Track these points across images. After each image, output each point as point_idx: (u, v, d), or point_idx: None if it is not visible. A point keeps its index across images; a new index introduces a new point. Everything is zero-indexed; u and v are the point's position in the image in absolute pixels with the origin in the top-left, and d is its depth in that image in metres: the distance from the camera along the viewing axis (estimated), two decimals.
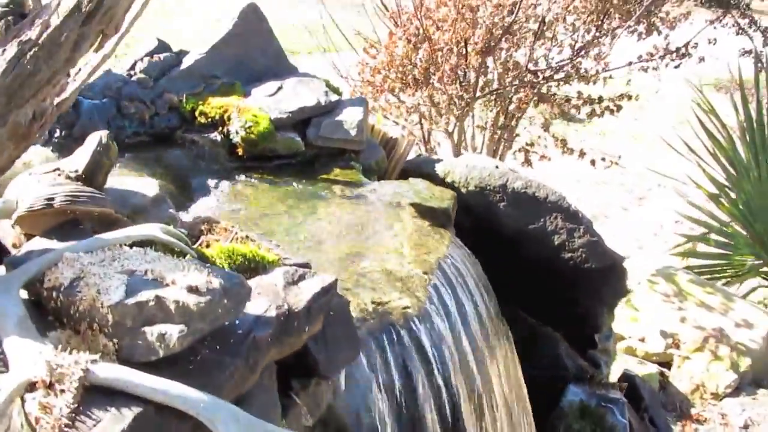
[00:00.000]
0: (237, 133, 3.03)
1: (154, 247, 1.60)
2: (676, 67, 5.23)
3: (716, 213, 5.44)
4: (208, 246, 1.77)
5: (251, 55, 3.38)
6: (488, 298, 2.68)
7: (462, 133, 5.56)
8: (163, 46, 3.33)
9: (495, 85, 5.30)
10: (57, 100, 1.55)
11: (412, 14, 5.17)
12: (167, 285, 1.38)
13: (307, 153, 3.12)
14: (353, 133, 3.08)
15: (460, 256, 2.61)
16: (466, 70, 5.09)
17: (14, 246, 1.84)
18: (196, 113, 3.13)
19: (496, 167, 3.75)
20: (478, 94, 5.20)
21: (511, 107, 5.01)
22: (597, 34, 5.21)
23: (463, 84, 5.06)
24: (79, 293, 1.42)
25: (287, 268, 1.72)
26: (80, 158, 1.85)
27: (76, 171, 1.84)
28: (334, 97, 3.20)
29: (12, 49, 1.47)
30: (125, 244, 1.59)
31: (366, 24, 5.63)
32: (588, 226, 3.54)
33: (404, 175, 3.47)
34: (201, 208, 2.61)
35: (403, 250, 2.47)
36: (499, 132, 5.62)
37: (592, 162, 5.48)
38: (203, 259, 1.69)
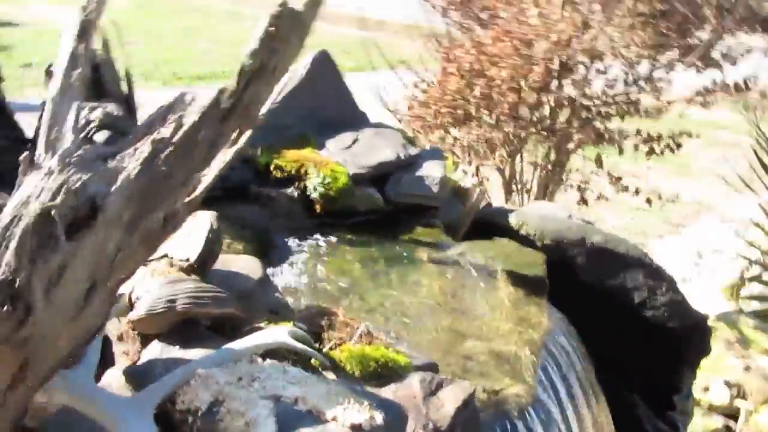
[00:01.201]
0: (315, 189, 2.90)
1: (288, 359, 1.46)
2: (734, 103, 5.08)
3: None
4: (335, 346, 1.63)
5: (323, 103, 3.25)
6: (588, 367, 2.55)
7: (513, 169, 5.42)
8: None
9: (548, 121, 5.15)
10: (187, 199, 1.41)
11: (465, 49, 5.05)
12: (326, 421, 1.24)
13: (386, 209, 2.98)
14: (435, 189, 2.94)
15: (561, 328, 2.47)
16: (520, 106, 4.96)
17: (119, 339, 1.71)
18: (271, 167, 3.00)
19: (570, 217, 3.61)
20: (533, 131, 5.06)
21: (570, 145, 4.87)
22: (653, 67, 5.08)
23: (520, 121, 4.93)
24: (221, 421, 1.29)
25: (423, 375, 1.59)
26: (192, 245, 1.72)
27: (188, 260, 1.71)
28: (412, 150, 3.07)
29: (145, 148, 1.34)
30: (258, 355, 1.45)
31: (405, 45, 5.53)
32: (671, 284, 3.39)
33: (476, 225, 3.33)
34: (290, 277, 2.48)
35: (506, 326, 2.33)
36: (550, 168, 5.48)
37: (648, 201, 5.33)
38: (336, 366, 1.55)
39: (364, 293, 2.46)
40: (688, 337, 3.39)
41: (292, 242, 2.81)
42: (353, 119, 3.36)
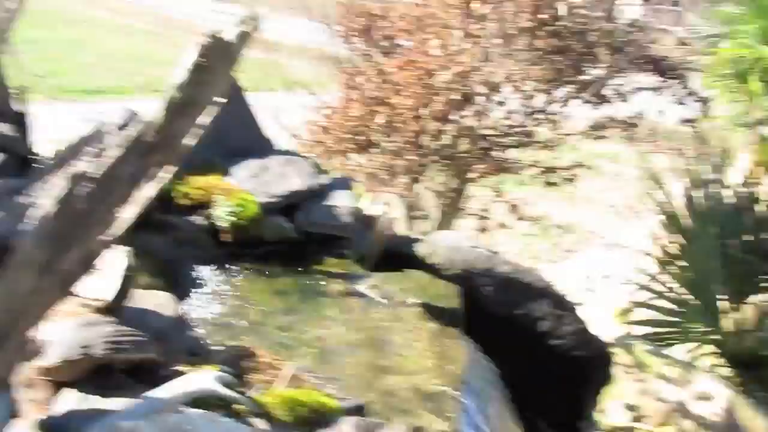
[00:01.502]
0: (224, 217, 2.79)
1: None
2: (629, 139, 5.30)
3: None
4: (262, 390, 1.54)
5: (229, 128, 3.13)
6: (504, 397, 2.55)
7: (413, 197, 5.45)
8: (133, 116, 3.05)
9: (448, 150, 5.21)
10: (105, 237, 1.30)
11: (368, 76, 5.05)
12: None
13: (296, 239, 2.90)
14: (346, 219, 2.89)
15: (478, 360, 2.46)
16: (422, 135, 5.00)
17: (26, 386, 1.56)
18: (176, 194, 2.86)
19: (475, 247, 3.64)
20: (433, 159, 5.11)
21: (472, 175, 4.95)
22: (549, 101, 5.24)
23: (421, 149, 4.97)
24: None
25: (356, 420, 1.52)
26: (107, 285, 1.59)
27: (104, 301, 1.58)
28: (322, 179, 3.01)
29: (60, 184, 1.22)
30: (185, 404, 1.35)
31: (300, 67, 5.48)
32: (574, 313, 3.46)
33: (384, 255, 3.29)
34: (201, 311, 2.36)
35: (425, 360, 2.30)
36: (450, 196, 5.55)
37: (546, 230, 5.47)
38: (265, 412, 1.46)
39: (279, 328, 2.36)
40: (591, 365, 3.46)
41: (201, 273, 2.69)
42: (260, 146, 3.27)
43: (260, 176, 2.97)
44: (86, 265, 1.25)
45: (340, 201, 2.90)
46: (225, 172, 3.00)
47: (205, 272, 2.69)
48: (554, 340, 3.46)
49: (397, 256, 3.25)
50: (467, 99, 4.91)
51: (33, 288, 1.20)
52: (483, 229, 5.31)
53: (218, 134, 3.09)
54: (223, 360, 1.63)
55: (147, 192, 1.29)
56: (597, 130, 5.09)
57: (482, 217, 5.31)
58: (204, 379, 1.42)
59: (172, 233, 2.83)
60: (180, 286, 2.59)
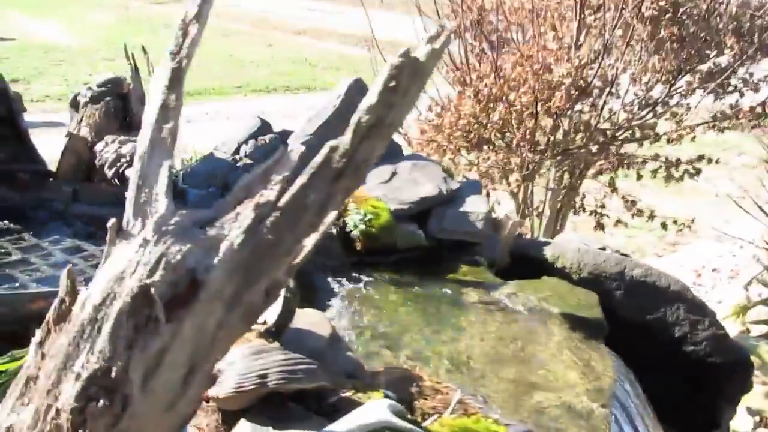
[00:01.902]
0: (356, 226, 2.77)
1: None
2: (753, 128, 5.02)
3: None
4: (430, 417, 1.50)
5: None
6: (651, 413, 2.44)
7: (526, 194, 5.32)
8: (265, 126, 3.07)
9: (562, 146, 5.06)
10: (289, 267, 1.27)
11: (482, 73, 4.95)
12: None
13: (428, 246, 2.85)
14: (480, 225, 2.83)
15: (623, 374, 2.36)
16: (537, 131, 4.86)
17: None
18: None
19: (604, 249, 3.51)
20: (548, 155, 4.97)
21: (591, 171, 4.79)
22: (670, 92, 5.01)
23: (536, 145, 4.84)
24: None
25: None
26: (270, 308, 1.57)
27: (265, 323, 1.57)
28: (453, 184, 2.95)
29: (248, 213, 1.20)
30: None
31: None
32: (713, 319, 3.29)
33: (511, 258, 3.22)
34: (338, 324, 2.34)
35: (572, 374, 2.21)
36: (563, 192, 5.39)
37: (663, 225, 5.25)
38: None
39: (418, 341, 2.32)
40: (729, 372, 3.29)
41: (334, 284, 2.67)
42: (387, 151, 3.24)
43: (390, 182, 2.94)
44: (271, 297, 1.23)
45: (473, 206, 2.84)
46: None
47: (337, 283, 2.68)
48: (690, 346, 3.32)
49: (524, 260, 3.17)
50: (584, 92, 4.74)
51: (220, 322, 1.18)
52: (600, 226, 5.14)
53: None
54: (386, 384, 1.59)
55: (329, 218, 1.25)
56: (721, 120, 4.84)
57: (597, 214, 5.13)
58: (378, 409, 1.39)
59: None
60: (315, 297, 2.59)
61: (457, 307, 2.56)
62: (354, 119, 1.23)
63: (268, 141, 2.98)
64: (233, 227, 1.20)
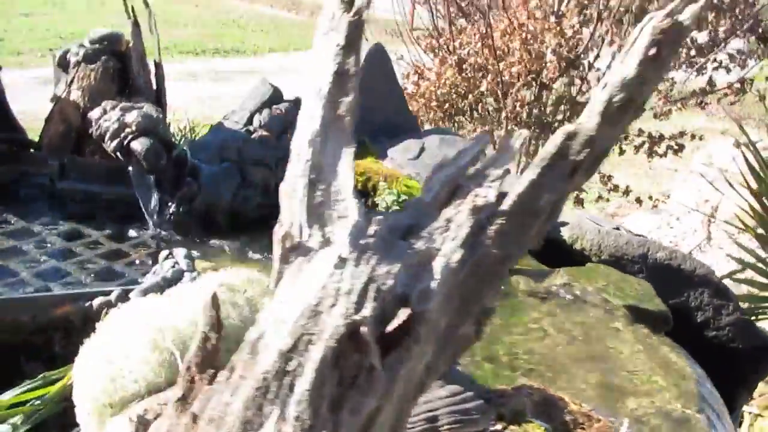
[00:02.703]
0: (389, 208, 2.49)
1: None
2: (732, 103, 4.98)
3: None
4: None
5: (375, 104, 2.83)
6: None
7: None
8: (277, 94, 2.73)
9: (548, 118, 4.89)
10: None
11: (466, 41, 4.71)
12: None
13: None
14: None
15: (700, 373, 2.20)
16: (520, 104, 4.67)
17: None
18: None
19: (616, 229, 3.35)
20: (532, 128, 4.79)
21: None
22: None
23: (517, 118, 4.65)
24: None
25: None
26: None
27: None
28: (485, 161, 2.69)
29: (463, 222, 0.92)
30: None
31: None
32: (737, 304, 3.18)
33: None
34: None
35: (656, 376, 2.03)
36: None
37: (638, 200, 5.17)
38: None
39: (486, 339, 2.08)
40: (752, 358, 3.20)
41: None
42: (405, 122, 2.96)
43: (420, 158, 2.67)
44: (481, 329, 0.96)
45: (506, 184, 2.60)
46: (378, 154, 2.69)
47: None
48: (713, 331, 3.20)
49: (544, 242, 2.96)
50: (572, 65, 4.57)
51: (429, 366, 0.91)
52: (579, 202, 5.02)
53: (367, 112, 2.79)
54: (533, 411, 1.35)
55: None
56: (707, 94, 4.75)
57: (579, 191, 5.00)
58: None
59: None
60: None
61: (510, 298, 2.33)
62: (602, 97, 0.96)
63: (284, 110, 2.64)
64: (445, 238, 0.91)
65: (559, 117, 4.93)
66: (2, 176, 2.45)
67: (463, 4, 5.29)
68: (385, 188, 2.53)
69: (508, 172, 0.97)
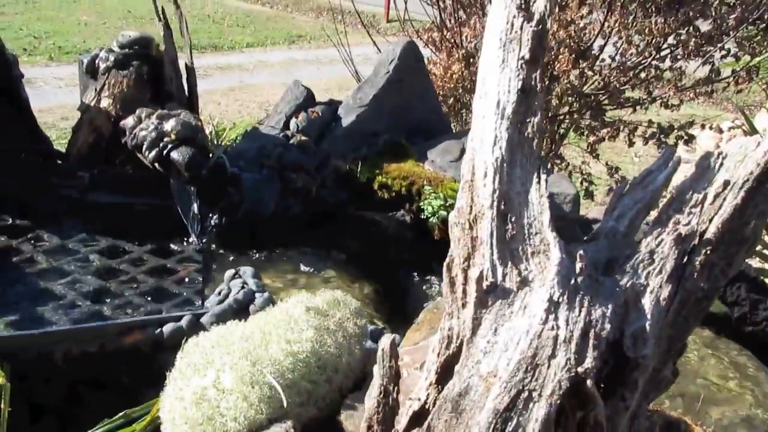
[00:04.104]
0: (434, 212, 2.39)
1: None
2: (738, 92, 4.95)
3: None
4: None
5: (410, 104, 2.73)
6: None
7: None
8: (310, 95, 2.62)
9: (551, 111, 4.82)
10: None
11: (473, 34, 4.60)
12: None
13: None
14: (567, 208, 2.51)
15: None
16: None
17: None
18: (375, 185, 2.46)
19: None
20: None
21: (591, 138, 4.58)
22: (659, 56, 4.84)
23: None
24: None
25: None
26: None
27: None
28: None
29: (668, 253, 0.83)
30: None
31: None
32: None
33: None
34: None
35: (731, 382, 1.97)
36: (548, 159, 5.17)
37: None
38: None
39: None
40: None
41: (422, 283, 2.31)
42: (440, 122, 2.87)
43: (461, 160, 2.56)
44: (676, 368, 0.87)
45: (558, 187, 2.52)
46: (416, 155, 2.59)
47: (426, 282, 2.31)
48: (749, 326, 3.16)
49: None
50: (583, 56, 4.49)
51: (632, 413, 0.81)
52: (589, 195, 4.95)
53: (401, 111, 2.70)
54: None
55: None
56: (714, 82, 4.70)
57: (586, 181, 4.94)
58: None
59: (370, 231, 2.44)
60: (405, 302, 2.23)
61: None
62: None
63: (320, 113, 2.53)
64: (651, 272, 0.83)
65: (565, 109, 4.86)
66: (29, 188, 2.30)
67: None
68: (430, 192, 2.43)
69: (703, 198, 0.88)
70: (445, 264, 0.88)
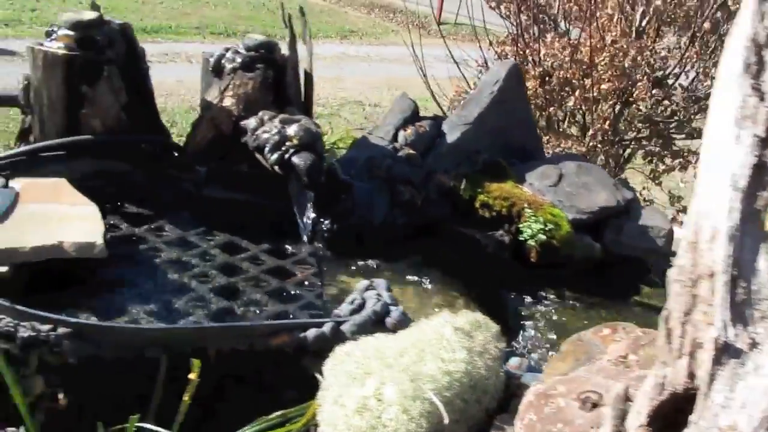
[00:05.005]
0: (533, 235, 2.45)
1: None
2: None
3: None
4: None
5: (510, 125, 2.79)
6: None
7: None
8: (416, 108, 2.69)
9: (618, 136, 4.85)
10: None
11: (552, 53, 4.65)
12: None
13: (600, 260, 2.58)
14: (660, 243, 2.56)
15: None
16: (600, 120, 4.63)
17: None
18: (476, 204, 2.52)
19: None
20: (603, 144, 4.75)
21: (662, 166, 4.63)
22: None
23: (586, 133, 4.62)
24: None
25: None
26: None
27: None
28: (627, 194, 2.67)
29: None
30: None
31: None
32: None
33: None
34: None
35: None
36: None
37: None
38: None
39: None
40: None
41: (521, 302, 2.37)
42: (534, 146, 2.93)
43: (559, 185, 2.63)
44: None
45: (652, 220, 2.58)
46: (515, 177, 2.65)
47: (523, 302, 2.38)
48: None
49: None
50: (661, 85, 4.53)
51: None
52: None
53: (501, 132, 2.77)
54: None
55: None
56: None
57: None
58: None
59: (468, 247, 2.51)
60: (507, 321, 2.29)
61: None
62: None
63: (427, 128, 2.60)
64: None
65: (632, 134, 4.89)
66: (147, 178, 2.39)
67: (535, 12, 5.23)
68: (531, 215, 2.49)
69: None
70: (662, 316, 0.94)
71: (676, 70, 4.71)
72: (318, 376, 1.57)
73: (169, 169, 2.41)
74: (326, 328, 1.65)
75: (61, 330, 1.52)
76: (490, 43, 5.34)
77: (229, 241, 2.25)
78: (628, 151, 5.01)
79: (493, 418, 1.46)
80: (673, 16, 4.77)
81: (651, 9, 4.69)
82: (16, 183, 2.11)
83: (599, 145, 4.54)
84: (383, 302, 1.72)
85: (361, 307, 1.76)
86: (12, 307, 1.52)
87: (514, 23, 5.21)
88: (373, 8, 14.17)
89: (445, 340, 1.48)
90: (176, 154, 2.47)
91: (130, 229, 2.21)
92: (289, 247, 2.28)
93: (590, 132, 4.42)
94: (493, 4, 5.51)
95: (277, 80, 2.40)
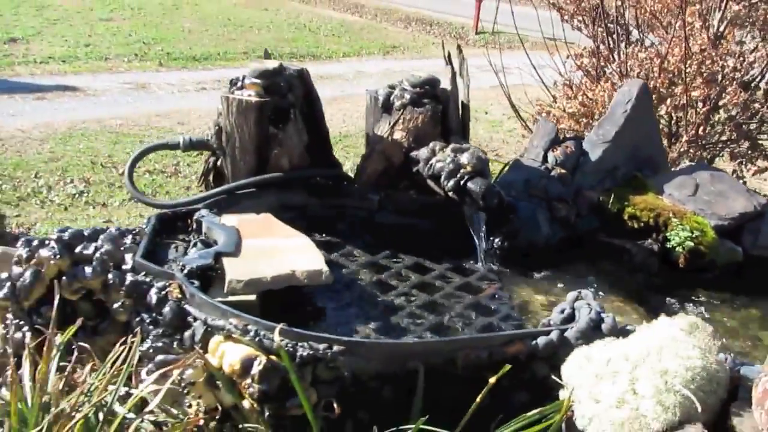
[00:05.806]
0: (681, 242, 2.65)
1: None
2: None
3: None
4: None
5: (640, 140, 2.99)
6: None
7: None
8: (557, 129, 2.90)
9: (706, 139, 5.01)
10: None
11: (638, 62, 4.82)
12: None
13: (740, 262, 2.77)
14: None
15: None
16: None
17: None
18: (625, 216, 2.73)
19: None
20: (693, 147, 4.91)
21: (753, 170, 4.77)
22: None
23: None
24: None
25: None
26: None
27: None
28: (761, 199, 2.85)
29: None
30: None
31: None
32: None
33: None
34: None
35: None
36: None
37: None
38: None
39: None
40: None
41: (675, 304, 2.56)
42: (660, 159, 3.12)
43: (697, 194, 2.82)
44: None
45: None
46: (654, 189, 2.84)
47: (678, 303, 2.57)
48: None
49: None
50: (747, 88, 4.69)
51: None
52: None
53: (634, 147, 2.96)
54: None
55: None
56: None
57: None
58: None
59: (617, 257, 2.71)
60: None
61: None
62: None
63: (573, 148, 2.81)
64: None
65: (723, 137, 5.03)
66: (326, 209, 2.63)
67: (607, 23, 5.40)
68: (677, 224, 2.68)
69: None
70: None
71: (758, 72, 4.86)
72: (555, 378, 1.79)
73: (345, 199, 2.65)
74: (553, 335, 1.86)
75: (335, 347, 1.74)
76: (572, 56, 5.51)
77: (415, 262, 2.47)
78: (714, 152, 5.16)
79: (727, 405, 1.66)
80: (750, 20, 4.93)
81: (729, 14, 4.86)
82: (227, 219, 2.36)
83: (690, 150, 4.70)
84: (595, 310, 1.92)
85: (571, 315, 1.96)
86: (291, 329, 1.75)
87: (590, 35, 5.40)
88: (410, 22, 14.43)
89: (678, 340, 1.69)
90: (346, 184, 2.69)
91: (326, 255, 2.44)
92: (466, 266, 2.50)
93: (684, 138, 4.58)
94: (568, 18, 5.70)
95: (442, 113, 2.62)
